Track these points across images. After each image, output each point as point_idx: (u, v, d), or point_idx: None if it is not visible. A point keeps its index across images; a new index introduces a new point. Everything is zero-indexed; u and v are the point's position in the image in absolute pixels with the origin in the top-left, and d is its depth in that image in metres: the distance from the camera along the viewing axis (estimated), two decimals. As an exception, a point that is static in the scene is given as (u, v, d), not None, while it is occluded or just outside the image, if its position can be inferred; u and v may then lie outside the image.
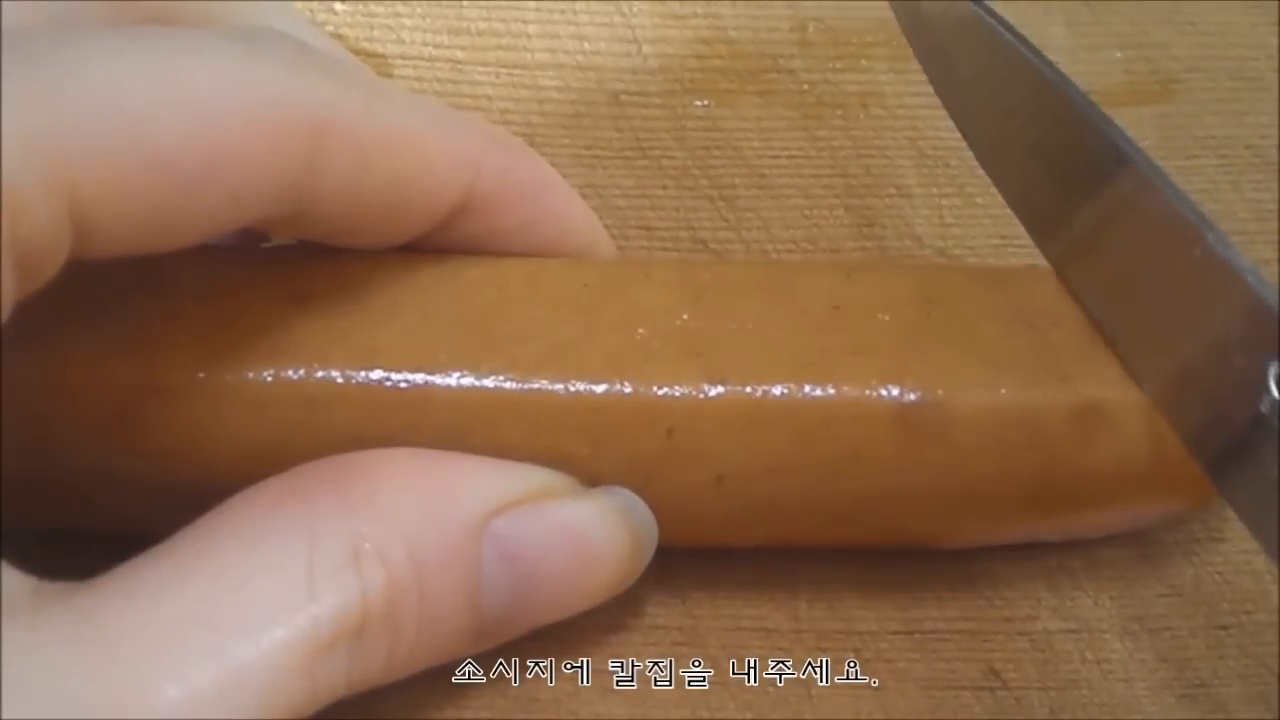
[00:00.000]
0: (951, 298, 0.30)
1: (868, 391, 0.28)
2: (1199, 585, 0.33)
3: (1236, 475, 0.26)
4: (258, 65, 0.25)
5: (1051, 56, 0.41)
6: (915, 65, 0.40)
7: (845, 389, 0.28)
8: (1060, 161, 0.30)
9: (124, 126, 0.23)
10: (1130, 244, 0.29)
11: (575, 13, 0.41)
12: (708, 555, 0.32)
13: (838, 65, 0.40)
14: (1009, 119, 0.31)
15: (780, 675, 0.32)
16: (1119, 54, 0.41)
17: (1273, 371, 0.25)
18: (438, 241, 0.30)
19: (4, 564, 0.23)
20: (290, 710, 0.24)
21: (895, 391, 0.28)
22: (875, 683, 0.32)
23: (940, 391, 0.29)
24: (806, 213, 0.38)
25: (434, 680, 0.29)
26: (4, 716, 0.21)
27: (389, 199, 0.28)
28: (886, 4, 0.41)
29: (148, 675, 0.22)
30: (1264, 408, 0.25)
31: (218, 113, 0.24)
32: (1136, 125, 0.40)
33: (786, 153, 0.38)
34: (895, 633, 0.32)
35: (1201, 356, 0.27)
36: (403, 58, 0.40)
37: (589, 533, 0.28)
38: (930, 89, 0.40)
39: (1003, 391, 0.29)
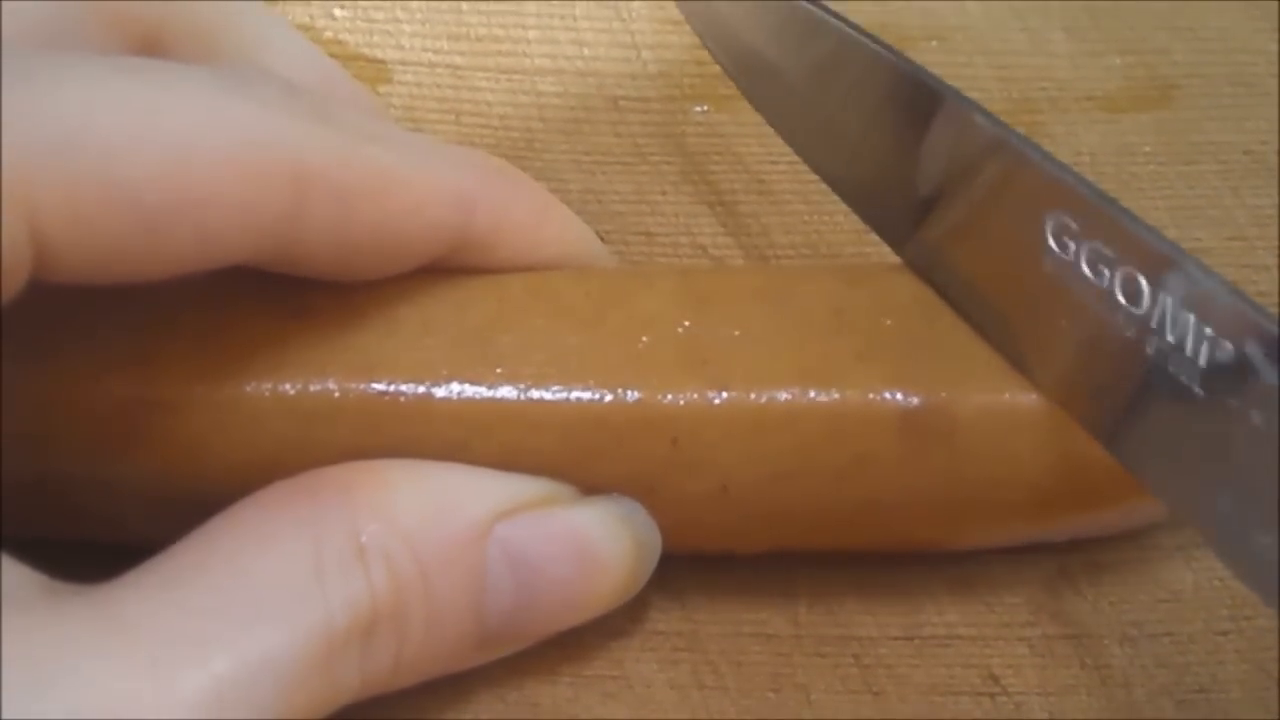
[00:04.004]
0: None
1: (872, 396, 0.28)
2: (1198, 590, 0.33)
3: (1135, 437, 0.26)
4: (240, 107, 0.25)
5: (1051, 62, 0.41)
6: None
7: (849, 394, 0.28)
8: (915, 151, 0.30)
9: (92, 155, 0.23)
10: (996, 231, 0.29)
11: (575, 18, 0.41)
12: (707, 560, 0.32)
13: (837, 70, 0.40)
14: (847, 115, 0.31)
15: (779, 680, 0.32)
16: (1118, 59, 0.41)
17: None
18: (433, 266, 0.29)
19: (15, 562, 0.23)
20: (309, 706, 0.24)
21: (899, 396, 0.28)
22: (875, 688, 0.32)
23: (944, 395, 0.29)
24: (806, 218, 0.38)
25: (434, 685, 0.29)
26: (24, 710, 0.21)
27: (377, 244, 0.27)
28: (885, 5, 0.42)
29: (170, 664, 0.22)
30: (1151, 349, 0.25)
31: (192, 152, 0.24)
32: (1136, 130, 0.40)
33: (786, 158, 0.38)
34: (895, 638, 0.32)
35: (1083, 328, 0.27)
36: (402, 63, 0.40)
37: (593, 538, 0.29)
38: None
39: (1006, 395, 0.29)
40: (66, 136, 0.23)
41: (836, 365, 0.29)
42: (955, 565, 0.33)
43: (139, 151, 0.23)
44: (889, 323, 0.30)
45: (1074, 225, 0.26)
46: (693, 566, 0.32)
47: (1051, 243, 0.26)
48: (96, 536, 0.29)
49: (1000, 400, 0.29)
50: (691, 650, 0.32)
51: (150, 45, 0.30)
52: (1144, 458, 0.26)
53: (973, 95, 0.40)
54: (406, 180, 0.27)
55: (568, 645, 0.31)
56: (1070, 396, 0.28)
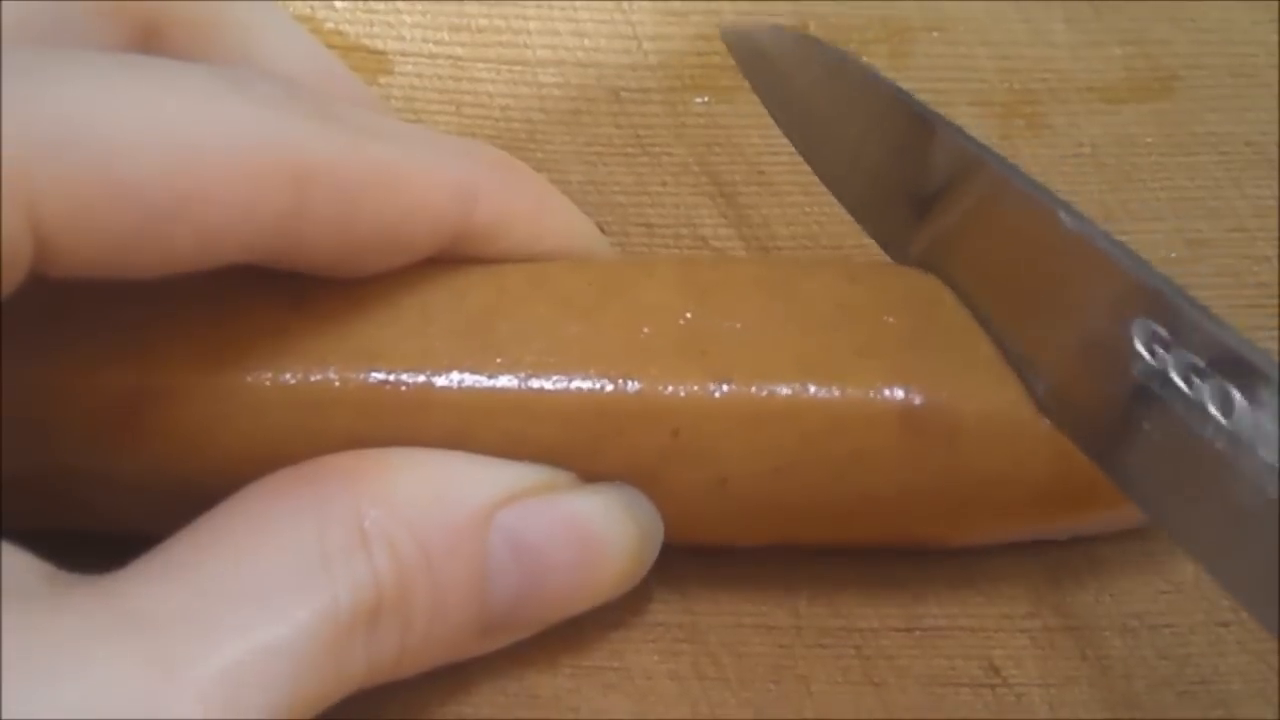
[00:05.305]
0: (956, 300, 0.30)
1: (872, 394, 0.28)
2: (1199, 582, 0.33)
3: (1125, 456, 0.26)
4: (241, 106, 0.25)
5: (1052, 53, 0.41)
6: (916, 62, 0.41)
7: (850, 391, 0.28)
8: (911, 175, 0.31)
9: (93, 152, 0.23)
10: (990, 246, 0.29)
11: (576, 9, 0.41)
12: (708, 552, 0.32)
13: (838, 62, 0.40)
14: (857, 143, 0.32)
15: (780, 671, 0.32)
16: (1119, 50, 0.41)
17: (1137, 333, 0.25)
18: (433, 257, 0.29)
19: (18, 550, 0.23)
20: (319, 692, 0.24)
21: (900, 394, 0.28)
22: (875, 679, 0.32)
23: (945, 394, 0.29)
24: (807, 209, 0.38)
25: (435, 677, 0.29)
26: (28, 704, 0.21)
27: (379, 241, 0.27)
28: (886, 2, 0.42)
29: (178, 654, 0.22)
30: (1136, 372, 0.25)
31: (193, 150, 0.24)
32: (1137, 121, 0.40)
33: (787, 149, 0.38)
34: (895, 629, 0.32)
35: (1075, 345, 0.27)
36: (403, 54, 0.40)
37: (595, 525, 0.29)
38: (930, 85, 0.40)
39: (1008, 395, 0.29)
40: (67, 133, 0.23)
41: (838, 361, 0.29)
42: (956, 557, 0.33)
43: (140, 149, 0.23)
44: (891, 319, 0.30)
45: (1164, 334, 0.25)
46: (693, 558, 0.32)
47: (1141, 349, 0.26)
48: (98, 528, 0.29)
49: (1002, 400, 0.29)
50: (692, 642, 0.32)
51: (149, 37, 0.30)
52: (1148, 490, 0.26)
53: (974, 86, 0.41)
54: (408, 176, 0.27)
55: (568, 636, 0.31)
56: (1063, 413, 0.28)
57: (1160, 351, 0.25)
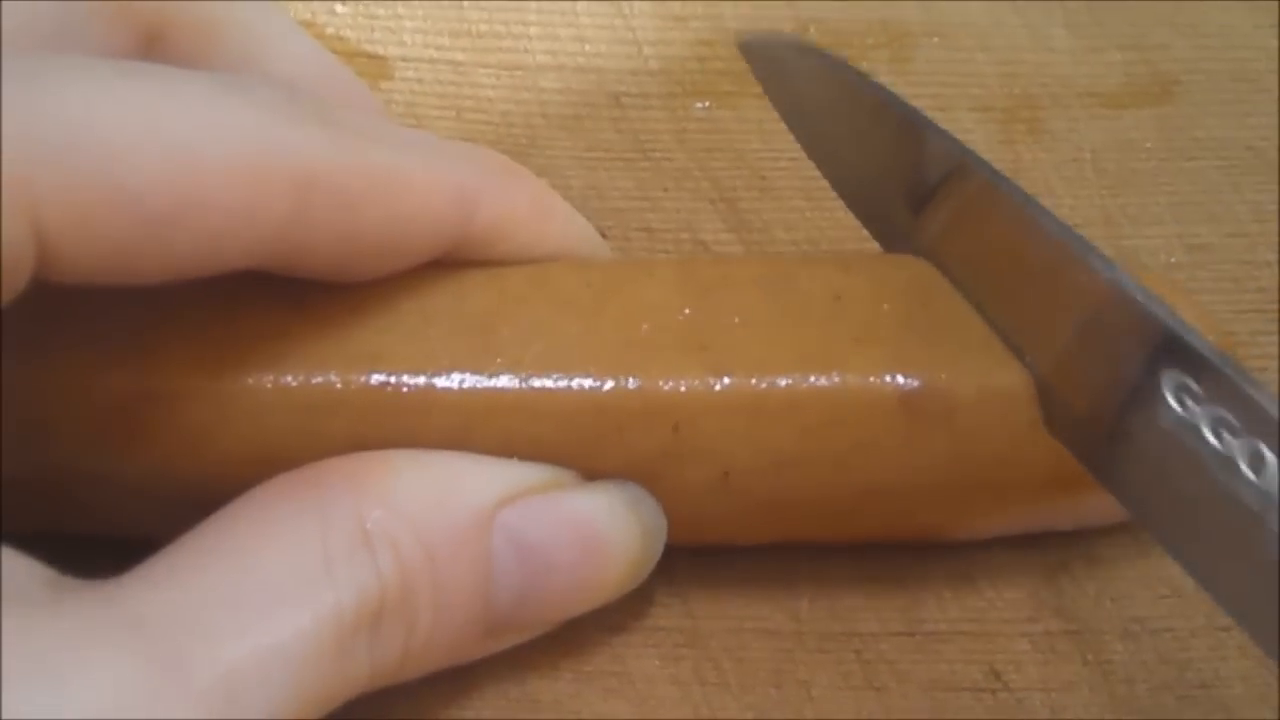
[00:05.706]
0: (949, 285, 0.30)
1: (871, 379, 0.29)
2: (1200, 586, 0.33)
3: (1119, 467, 0.27)
4: (242, 112, 0.25)
5: (1052, 58, 0.41)
6: (916, 67, 0.41)
7: (849, 378, 0.29)
8: (905, 176, 0.31)
9: (95, 157, 0.23)
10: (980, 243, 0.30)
11: (576, 15, 0.41)
12: (709, 556, 0.32)
13: (839, 67, 0.40)
14: (857, 145, 0.32)
15: (781, 675, 0.32)
16: (1120, 55, 0.41)
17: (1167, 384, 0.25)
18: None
19: (19, 554, 0.23)
20: (322, 694, 0.24)
21: (899, 379, 0.29)
22: (876, 684, 0.32)
23: (943, 376, 0.29)
24: (807, 214, 0.38)
25: (437, 681, 0.29)
26: (29, 708, 0.21)
27: (380, 246, 0.27)
28: (887, 5, 0.42)
29: (182, 655, 0.22)
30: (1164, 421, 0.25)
31: (194, 156, 0.24)
32: (1137, 126, 0.40)
33: (788, 154, 0.38)
34: (896, 633, 0.32)
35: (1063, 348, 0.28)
36: (404, 59, 0.40)
37: (599, 523, 0.29)
38: (931, 90, 0.41)
39: (1005, 375, 0.29)
40: (69, 138, 0.23)
41: (836, 350, 0.29)
42: (957, 559, 0.33)
43: (141, 155, 0.23)
44: (886, 307, 0.30)
45: (1196, 388, 0.25)
46: (695, 562, 0.32)
47: (1171, 401, 0.25)
48: (100, 531, 0.29)
49: (998, 379, 0.29)
50: (693, 646, 0.32)
51: (153, 40, 0.30)
52: (1138, 496, 0.27)
53: (974, 92, 0.41)
54: (409, 182, 0.27)
55: (569, 641, 0.31)
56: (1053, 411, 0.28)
57: (1191, 404, 0.25)
